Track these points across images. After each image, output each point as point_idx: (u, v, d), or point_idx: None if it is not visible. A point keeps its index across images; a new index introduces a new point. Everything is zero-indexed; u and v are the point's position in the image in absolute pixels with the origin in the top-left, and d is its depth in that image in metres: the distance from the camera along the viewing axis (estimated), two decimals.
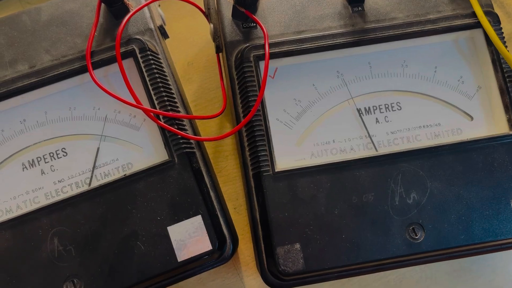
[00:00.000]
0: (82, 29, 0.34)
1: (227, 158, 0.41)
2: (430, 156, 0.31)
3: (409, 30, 0.33)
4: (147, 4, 0.34)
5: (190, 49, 0.43)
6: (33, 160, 0.32)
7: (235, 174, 0.40)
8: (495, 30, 0.32)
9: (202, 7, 0.38)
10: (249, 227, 0.39)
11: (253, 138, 0.31)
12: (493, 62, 0.33)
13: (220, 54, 0.38)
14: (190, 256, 0.30)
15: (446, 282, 0.36)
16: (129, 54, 0.32)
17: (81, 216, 0.30)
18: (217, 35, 0.36)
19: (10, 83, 0.32)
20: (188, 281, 0.37)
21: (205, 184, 0.32)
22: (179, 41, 0.43)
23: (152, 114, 0.31)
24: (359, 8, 0.34)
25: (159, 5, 0.40)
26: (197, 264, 0.30)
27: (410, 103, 0.33)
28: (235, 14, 0.34)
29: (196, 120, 0.39)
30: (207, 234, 0.30)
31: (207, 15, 0.37)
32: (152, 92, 0.32)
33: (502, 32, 0.33)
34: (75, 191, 0.32)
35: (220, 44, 0.35)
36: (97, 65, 0.32)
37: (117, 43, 0.31)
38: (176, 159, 0.31)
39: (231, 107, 0.36)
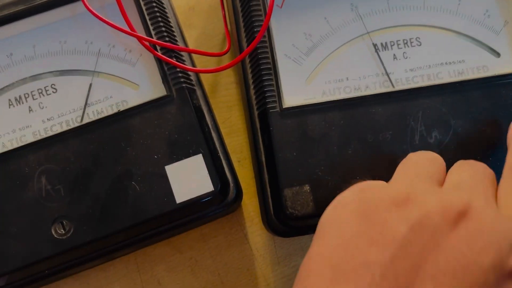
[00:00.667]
0: None
1: (231, 108, 0.38)
2: (453, 92, 0.28)
3: None
4: None
5: None
6: (20, 97, 0.30)
7: (240, 125, 0.38)
8: None
9: None
10: (254, 182, 0.36)
11: (259, 72, 0.29)
12: None
13: None
14: (190, 198, 0.27)
15: None
16: None
17: (71, 154, 0.28)
18: None
19: None
20: (188, 237, 0.35)
21: (206, 123, 0.29)
22: None
23: (148, 44, 0.28)
24: None
25: None
26: (198, 209, 0.28)
27: (431, 38, 0.30)
28: None
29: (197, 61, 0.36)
30: (208, 174, 0.27)
31: None
32: (149, 22, 0.29)
33: None
34: (65, 129, 0.29)
35: None
36: None
37: None
38: (175, 93, 0.28)
39: (236, 48, 0.33)
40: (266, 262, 0.34)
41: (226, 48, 0.33)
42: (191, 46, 0.40)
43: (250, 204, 0.37)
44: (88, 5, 0.28)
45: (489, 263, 0.19)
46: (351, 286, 0.18)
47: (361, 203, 0.21)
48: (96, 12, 0.28)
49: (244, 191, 0.36)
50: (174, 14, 0.32)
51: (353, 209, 0.21)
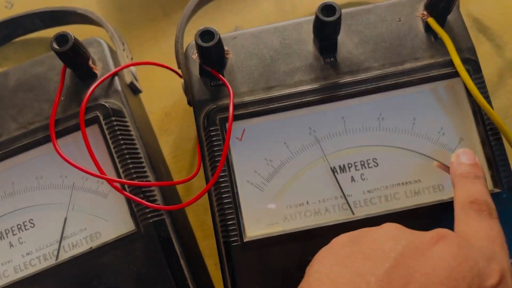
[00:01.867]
0: (49, 93, 0.33)
1: (206, 211, 0.40)
2: (409, 217, 0.29)
3: (384, 83, 0.31)
4: (115, 72, 0.33)
5: (167, 99, 0.43)
6: (1, 233, 0.32)
7: None
8: (474, 80, 0.30)
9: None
10: None
11: (221, 205, 0.30)
12: (474, 113, 0.31)
13: None
14: None
15: None
16: (93, 120, 0.31)
17: None
18: (188, 91, 0.35)
19: None
20: None
21: (175, 253, 0.31)
22: (155, 91, 0.43)
23: (117, 185, 0.30)
24: (332, 59, 0.32)
25: (132, 58, 0.39)
26: None
27: (387, 158, 0.31)
28: (203, 72, 0.33)
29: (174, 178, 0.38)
30: None
31: (179, 68, 0.36)
32: (117, 160, 0.31)
33: (483, 81, 0.31)
34: (43, 264, 0.31)
35: (191, 100, 0.34)
36: (61, 134, 0.32)
37: (81, 113, 0.31)
38: (142, 229, 0.30)
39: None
40: None
41: (197, 165, 0.35)
42: (167, 151, 0.41)
43: None
44: (61, 152, 0.30)
45: (470, 273, 0.21)
46: None
47: (353, 234, 0.25)
48: (68, 156, 0.30)
49: None
50: (141, 135, 0.33)
51: (346, 239, 0.25)
